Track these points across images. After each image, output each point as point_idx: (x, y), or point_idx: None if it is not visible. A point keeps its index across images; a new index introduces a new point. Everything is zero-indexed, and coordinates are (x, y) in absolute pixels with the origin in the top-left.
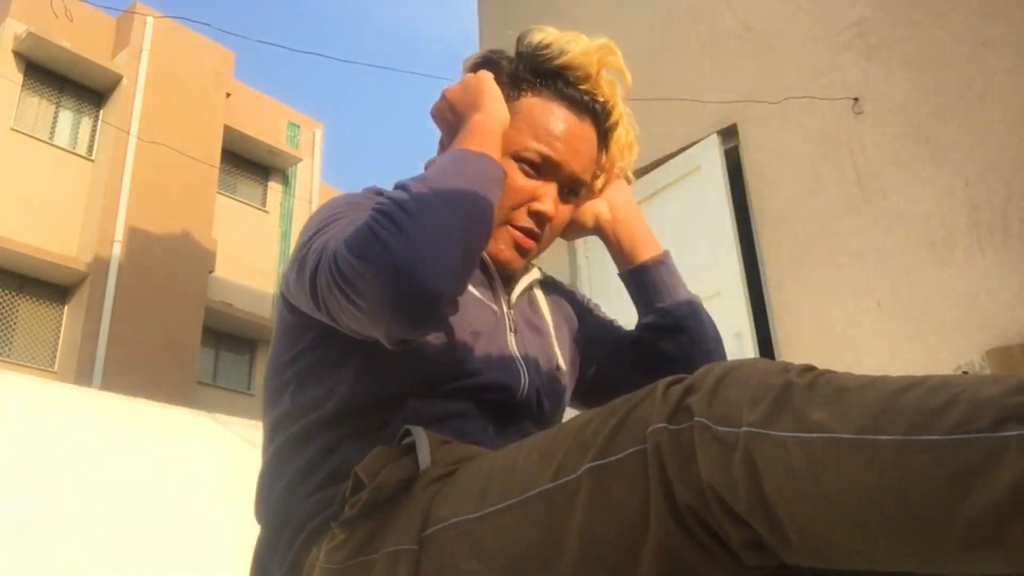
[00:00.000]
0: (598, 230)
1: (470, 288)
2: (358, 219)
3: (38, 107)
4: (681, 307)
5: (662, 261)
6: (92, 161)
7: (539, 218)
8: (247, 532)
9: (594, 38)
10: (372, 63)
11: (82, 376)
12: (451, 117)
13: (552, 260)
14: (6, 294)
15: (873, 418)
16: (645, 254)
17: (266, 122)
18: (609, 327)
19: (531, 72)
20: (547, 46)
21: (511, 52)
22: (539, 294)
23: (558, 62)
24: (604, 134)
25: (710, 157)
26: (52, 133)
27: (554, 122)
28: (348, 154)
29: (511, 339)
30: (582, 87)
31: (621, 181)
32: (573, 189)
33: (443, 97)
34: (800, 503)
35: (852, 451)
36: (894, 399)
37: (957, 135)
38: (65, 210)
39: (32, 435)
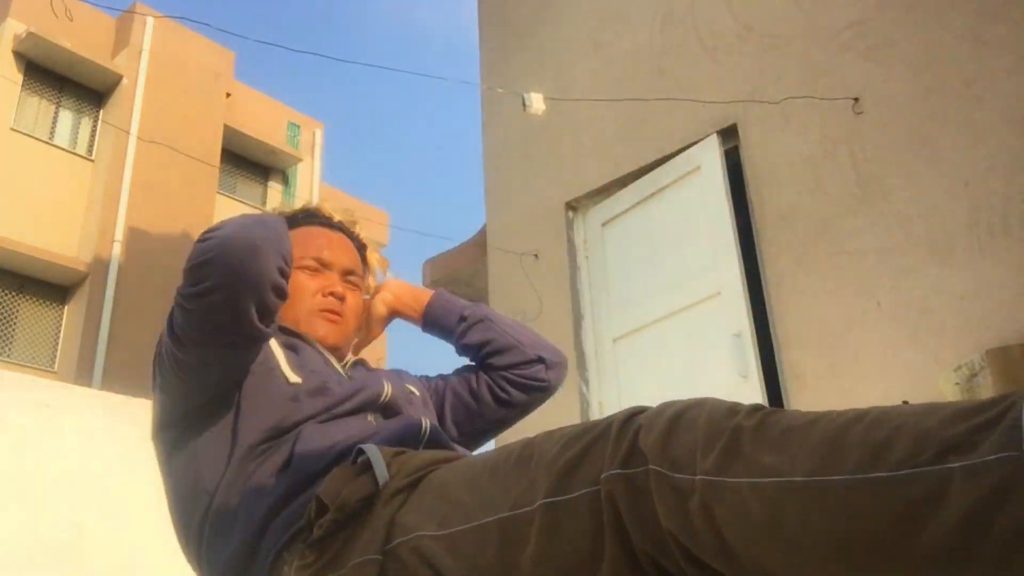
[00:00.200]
0: (392, 311)
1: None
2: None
3: (38, 107)
4: (470, 312)
5: (436, 297)
6: (92, 161)
7: (333, 294)
8: None
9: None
10: (372, 63)
11: (82, 376)
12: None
13: (552, 259)
14: (6, 294)
15: (821, 458)
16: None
17: (266, 122)
18: (444, 375)
19: (301, 216)
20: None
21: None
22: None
23: (311, 208)
24: (359, 245)
25: (710, 157)
26: (52, 133)
27: (318, 236)
28: (348, 154)
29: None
30: (328, 216)
31: (392, 278)
32: (348, 276)
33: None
34: (762, 547)
35: (805, 494)
36: (839, 437)
37: (957, 135)
38: (65, 210)
39: (32, 435)
